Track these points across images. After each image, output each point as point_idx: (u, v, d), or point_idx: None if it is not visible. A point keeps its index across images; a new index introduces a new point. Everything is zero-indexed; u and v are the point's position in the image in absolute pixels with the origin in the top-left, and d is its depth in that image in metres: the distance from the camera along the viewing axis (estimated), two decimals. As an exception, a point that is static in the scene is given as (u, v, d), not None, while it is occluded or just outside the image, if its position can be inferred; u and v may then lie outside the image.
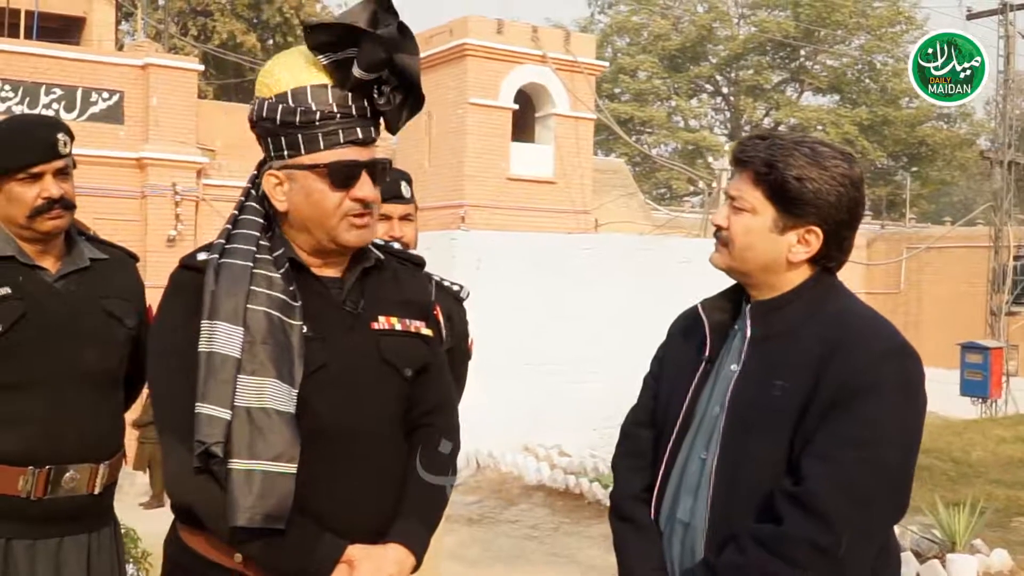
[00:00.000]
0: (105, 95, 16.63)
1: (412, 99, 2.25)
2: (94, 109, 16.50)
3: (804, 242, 2.21)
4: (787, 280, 2.25)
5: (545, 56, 19.95)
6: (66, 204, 2.86)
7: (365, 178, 2.21)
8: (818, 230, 2.19)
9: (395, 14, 2.17)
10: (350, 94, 2.17)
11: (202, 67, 18.60)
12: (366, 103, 2.19)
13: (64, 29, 21.21)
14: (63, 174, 2.86)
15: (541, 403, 12.44)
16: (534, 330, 12.72)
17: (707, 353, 2.32)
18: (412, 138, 20.79)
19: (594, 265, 13.48)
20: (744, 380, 2.21)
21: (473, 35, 19.23)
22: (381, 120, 2.26)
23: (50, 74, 16.23)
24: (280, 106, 2.16)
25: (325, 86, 2.16)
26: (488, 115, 19.43)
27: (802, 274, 2.25)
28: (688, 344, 2.39)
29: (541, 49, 19.95)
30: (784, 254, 2.22)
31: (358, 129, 2.19)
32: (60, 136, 2.85)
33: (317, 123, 2.15)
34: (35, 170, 2.80)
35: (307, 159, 2.18)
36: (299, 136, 2.17)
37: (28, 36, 18.53)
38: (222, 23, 31.23)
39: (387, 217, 3.61)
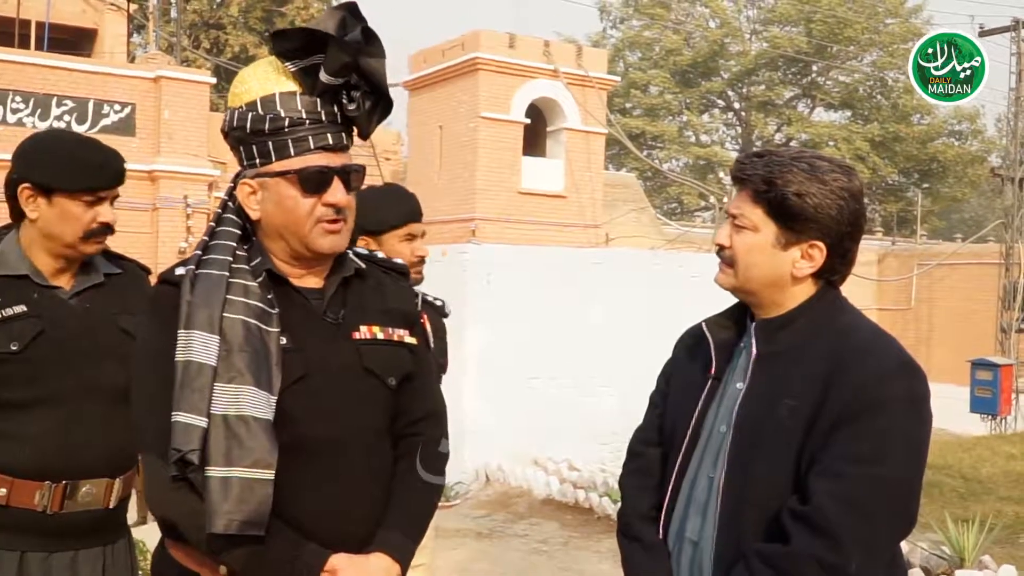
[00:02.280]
0: (117, 107, 16.67)
1: (381, 104, 2.25)
2: (106, 121, 16.54)
3: (808, 257, 2.21)
4: (792, 296, 2.25)
5: (557, 70, 19.99)
6: (112, 230, 2.91)
7: (337, 184, 2.21)
8: (821, 244, 2.20)
9: (362, 19, 2.17)
10: (319, 100, 2.17)
11: (214, 80, 18.62)
12: (336, 109, 2.19)
13: (76, 41, 21.33)
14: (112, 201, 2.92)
15: (551, 417, 12.41)
16: (544, 344, 12.70)
17: (713, 371, 2.32)
18: (423, 151, 20.86)
19: (605, 279, 13.45)
20: (750, 398, 2.21)
21: (485, 49, 19.28)
22: (354, 127, 2.27)
23: (61, 86, 16.27)
24: (250, 114, 2.17)
25: (294, 93, 2.17)
26: (499, 129, 19.46)
27: (807, 289, 2.26)
28: (693, 362, 2.40)
29: (553, 63, 20.00)
30: (788, 270, 2.22)
31: (328, 135, 2.19)
32: (123, 165, 2.92)
33: (286, 130, 2.16)
34: (102, 194, 2.85)
35: (278, 166, 2.18)
36: (269, 144, 2.17)
37: (39, 47, 18.62)
38: (234, 36, 31.39)
39: (414, 236, 3.71)
